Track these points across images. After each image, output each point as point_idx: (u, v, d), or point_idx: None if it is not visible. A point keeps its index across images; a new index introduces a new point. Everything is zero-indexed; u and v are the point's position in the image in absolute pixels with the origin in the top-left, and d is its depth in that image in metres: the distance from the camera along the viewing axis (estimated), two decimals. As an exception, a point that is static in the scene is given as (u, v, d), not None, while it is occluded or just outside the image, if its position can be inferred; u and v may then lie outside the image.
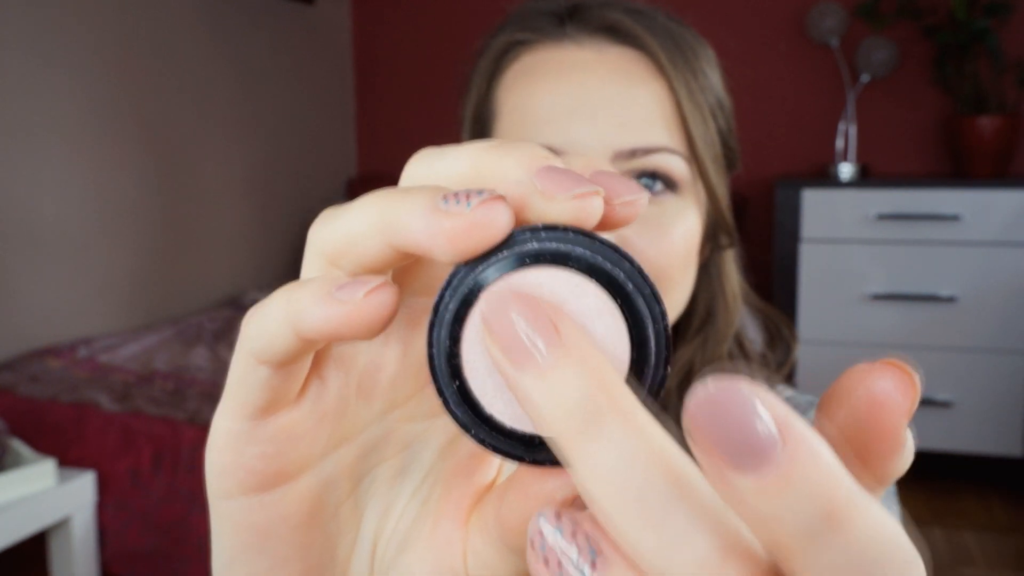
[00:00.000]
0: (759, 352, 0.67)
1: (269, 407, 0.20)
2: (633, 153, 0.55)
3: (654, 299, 0.18)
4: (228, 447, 0.21)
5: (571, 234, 0.18)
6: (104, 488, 1.72)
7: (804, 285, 2.64)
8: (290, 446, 0.21)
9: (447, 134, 0.66)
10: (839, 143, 2.92)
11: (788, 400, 0.67)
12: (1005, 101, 2.68)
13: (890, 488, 0.60)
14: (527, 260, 0.18)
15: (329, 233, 0.20)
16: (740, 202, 2.86)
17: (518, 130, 0.57)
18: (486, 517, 0.22)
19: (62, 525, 1.59)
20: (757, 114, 3.00)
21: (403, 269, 0.22)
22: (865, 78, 2.82)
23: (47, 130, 2.16)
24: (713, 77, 0.60)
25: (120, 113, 2.38)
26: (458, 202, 0.18)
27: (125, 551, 1.71)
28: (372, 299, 0.18)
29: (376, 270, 0.20)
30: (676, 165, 0.56)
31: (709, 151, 0.57)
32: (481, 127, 0.61)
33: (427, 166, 0.20)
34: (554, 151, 0.55)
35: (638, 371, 0.19)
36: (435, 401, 0.21)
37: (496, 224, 0.18)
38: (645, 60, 0.57)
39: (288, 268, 3.19)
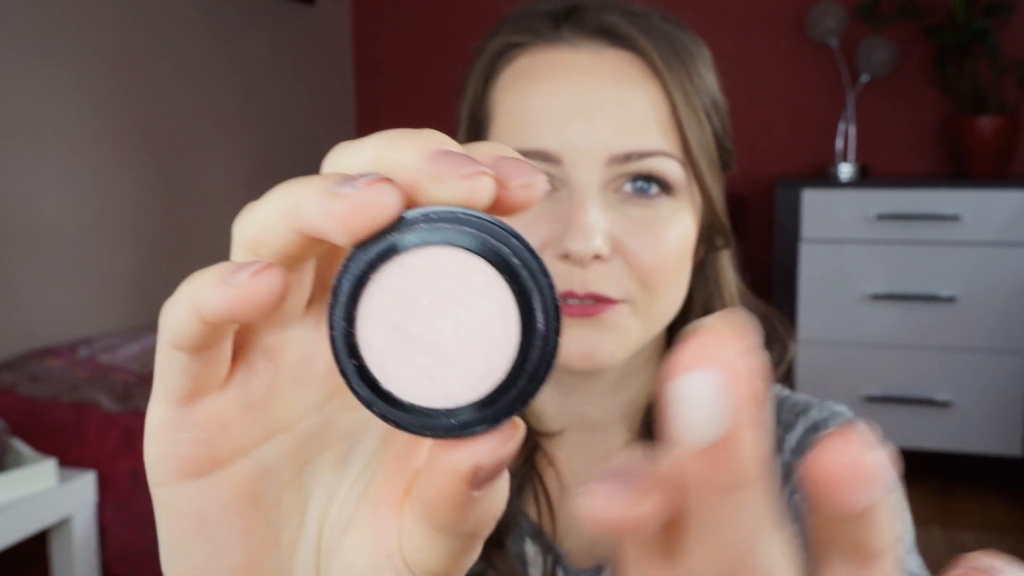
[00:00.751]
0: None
1: (193, 393, 0.21)
2: (628, 157, 0.55)
3: (541, 272, 0.19)
4: (160, 435, 0.22)
5: (459, 214, 0.19)
6: (104, 488, 1.72)
7: (804, 285, 2.65)
8: (219, 432, 0.22)
9: (446, 134, 0.66)
10: (839, 143, 2.92)
11: (783, 400, 0.67)
12: (1005, 101, 2.68)
13: (900, 504, 0.60)
14: (416, 241, 0.19)
15: (246, 224, 0.21)
16: (740, 202, 2.86)
17: (514, 132, 0.57)
18: (413, 499, 0.22)
19: (62, 525, 1.59)
20: (757, 114, 3.00)
21: (330, 259, 0.23)
22: (865, 78, 2.82)
23: (47, 130, 2.16)
24: (708, 78, 0.60)
25: (120, 113, 2.38)
26: (348, 185, 0.18)
27: (125, 551, 1.71)
28: (258, 280, 0.19)
29: (292, 256, 0.20)
30: (671, 168, 0.56)
31: (704, 153, 0.58)
32: (477, 129, 0.62)
33: (338, 158, 0.21)
34: (550, 155, 0.56)
35: (527, 342, 0.19)
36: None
37: (383, 204, 0.18)
38: (640, 62, 0.57)
39: (288, 268, 3.20)
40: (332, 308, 0.20)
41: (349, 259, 0.19)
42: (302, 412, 0.23)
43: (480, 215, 0.19)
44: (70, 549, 1.60)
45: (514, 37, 0.60)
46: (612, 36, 0.57)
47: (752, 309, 0.68)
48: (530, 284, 0.19)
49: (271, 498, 0.23)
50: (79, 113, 2.25)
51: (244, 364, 0.22)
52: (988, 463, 2.62)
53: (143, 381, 2.04)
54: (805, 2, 2.92)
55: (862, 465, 0.16)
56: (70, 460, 1.75)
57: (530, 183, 0.20)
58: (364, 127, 3.55)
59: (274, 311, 0.20)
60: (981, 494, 2.58)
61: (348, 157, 0.21)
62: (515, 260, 0.19)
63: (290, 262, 0.21)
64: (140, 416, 1.82)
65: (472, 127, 0.62)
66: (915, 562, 0.57)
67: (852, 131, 2.91)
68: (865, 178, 2.75)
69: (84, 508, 1.61)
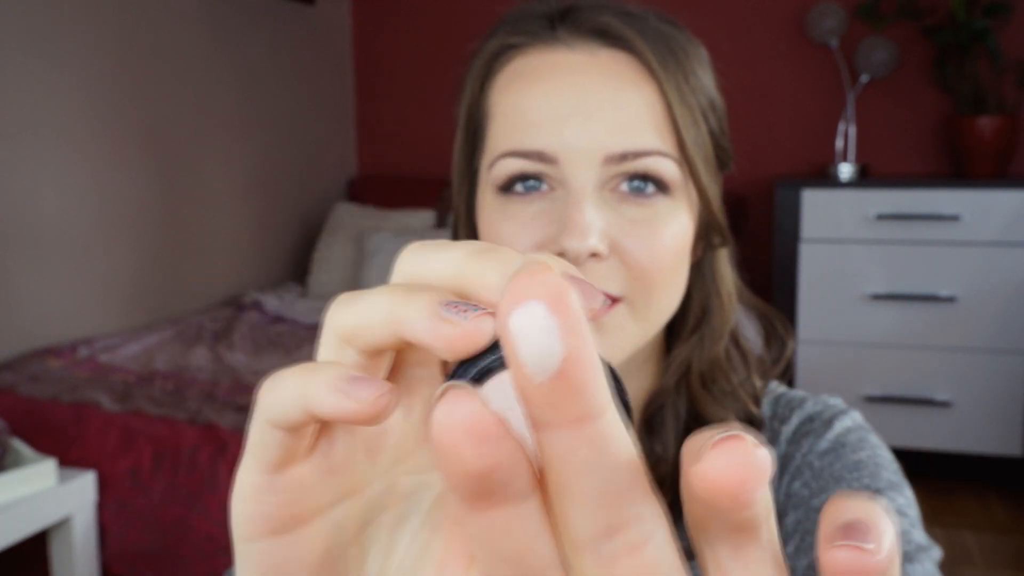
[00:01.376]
0: (757, 354, 0.67)
1: (283, 463, 0.24)
2: (624, 157, 0.56)
3: (613, 377, 0.21)
4: (250, 497, 0.24)
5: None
6: (104, 488, 1.72)
7: (804, 285, 2.65)
8: (302, 496, 0.24)
9: (446, 135, 0.66)
10: (839, 143, 2.92)
11: (780, 397, 0.68)
12: (1005, 101, 2.68)
13: (900, 482, 0.60)
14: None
15: (344, 318, 0.23)
16: (740, 202, 2.86)
17: (511, 133, 0.57)
18: None
19: (62, 525, 1.59)
20: (757, 114, 3.01)
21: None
22: (865, 78, 2.82)
23: (47, 130, 2.16)
24: (705, 78, 0.60)
25: (120, 113, 2.38)
26: (456, 312, 0.21)
27: (125, 551, 1.71)
28: (379, 402, 0.21)
29: (383, 350, 0.23)
30: (667, 168, 0.56)
31: (700, 153, 0.58)
32: (474, 130, 0.62)
33: (418, 265, 0.23)
34: (546, 155, 0.56)
35: None
36: (431, 457, 0.25)
37: (486, 334, 0.21)
38: (636, 63, 0.57)
39: (288, 268, 3.20)
40: None
41: (455, 372, 0.21)
42: (372, 477, 0.26)
43: None
44: (70, 549, 1.61)
45: (510, 39, 0.60)
46: (608, 37, 0.58)
47: (751, 307, 0.68)
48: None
49: (338, 553, 0.25)
50: (79, 113, 2.25)
51: (326, 436, 0.25)
52: (988, 463, 2.62)
53: (143, 381, 2.04)
54: (805, 2, 2.92)
55: (753, 466, 0.16)
56: (70, 460, 1.75)
57: (596, 296, 0.22)
58: (364, 127, 3.55)
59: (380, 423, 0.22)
60: (981, 494, 2.58)
61: (429, 267, 0.23)
62: None
63: (377, 353, 0.23)
64: (140, 416, 1.82)
65: (470, 128, 0.62)
66: (920, 535, 0.57)
67: (852, 131, 2.91)
68: (865, 178, 2.75)
69: (84, 508, 1.61)
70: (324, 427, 0.25)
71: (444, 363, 0.26)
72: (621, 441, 0.17)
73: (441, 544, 0.25)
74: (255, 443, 0.23)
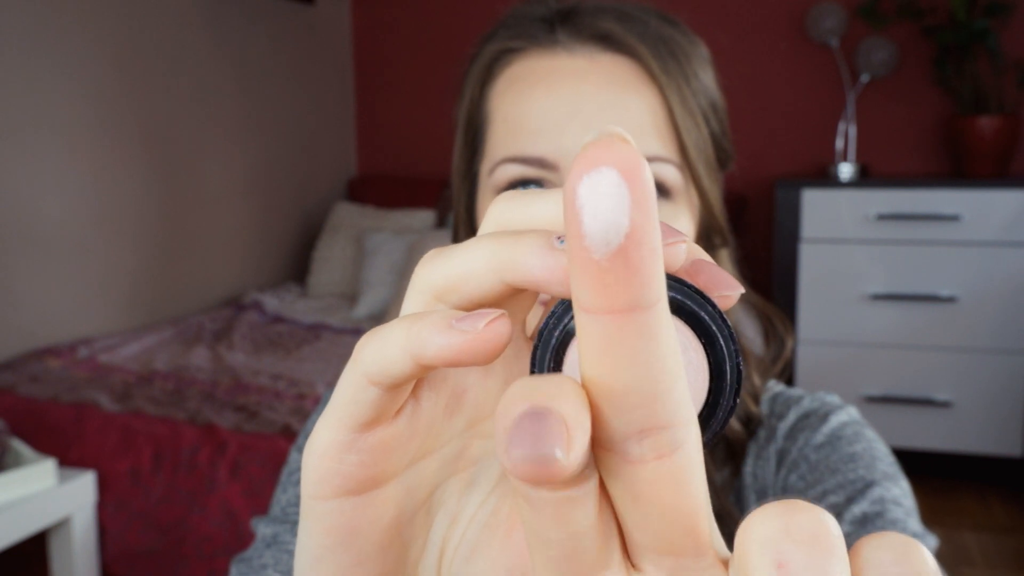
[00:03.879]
0: (756, 353, 0.67)
1: (372, 422, 0.22)
2: None
3: (731, 339, 0.20)
4: (329, 455, 0.23)
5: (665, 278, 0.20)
6: (104, 488, 1.72)
7: (804, 285, 2.65)
8: (384, 456, 0.23)
9: (446, 135, 0.66)
10: (839, 143, 2.92)
11: (778, 395, 0.68)
12: (1005, 101, 2.68)
13: (896, 473, 0.61)
14: None
15: (438, 271, 0.22)
16: (740, 202, 2.86)
17: (511, 139, 0.57)
18: None
19: (62, 525, 1.59)
20: (757, 114, 3.01)
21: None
22: (865, 78, 2.82)
23: (47, 130, 2.16)
24: (706, 79, 0.60)
25: (120, 113, 2.38)
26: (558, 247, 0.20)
27: (125, 551, 1.71)
28: (491, 329, 0.20)
29: (482, 304, 0.21)
30: (668, 173, 0.56)
31: (701, 156, 0.58)
32: (474, 134, 0.62)
33: (512, 213, 0.22)
34: (547, 161, 0.56)
35: (714, 400, 0.21)
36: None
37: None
38: (637, 67, 0.57)
39: (288, 268, 3.20)
40: (538, 349, 0.20)
41: (559, 308, 0.20)
42: (447, 438, 0.25)
43: (681, 280, 0.20)
44: (70, 549, 1.60)
45: (509, 42, 0.60)
46: (608, 41, 0.58)
47: (751, 306, 0.68)
48: (723, 349, 0.20)
49: (407, 516, 0.25)
50: (79, 113, 2.25)
51: (414, 396, 0.24)
52: (988, 463, 2.62)
53: (142, 381, 2.04)
54: (805, 2, 2.92)
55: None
56: (70, 460, 1.75)
57: (732, 284, 0.21)
58: (364, 127, 3.55)
59: (496, 359, 0.20)
60: (981, 494, 2.58)
61: (528, 210, 0.22)
62: (712, 327, 0.20)
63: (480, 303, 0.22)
64: (140, 416, 1.82)
65: (469, 132, 0.62)
66: (915, 524, 0.57)
67: (852, 131, 2.91)
68: (865, 178, 2.75)
69: (84, 508, 1.61)
70: (414, 387, 0.24)
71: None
72: (669, 340, 0.16)
73: (510, 510, 0.25)
74: (346, 401, 0.22)
